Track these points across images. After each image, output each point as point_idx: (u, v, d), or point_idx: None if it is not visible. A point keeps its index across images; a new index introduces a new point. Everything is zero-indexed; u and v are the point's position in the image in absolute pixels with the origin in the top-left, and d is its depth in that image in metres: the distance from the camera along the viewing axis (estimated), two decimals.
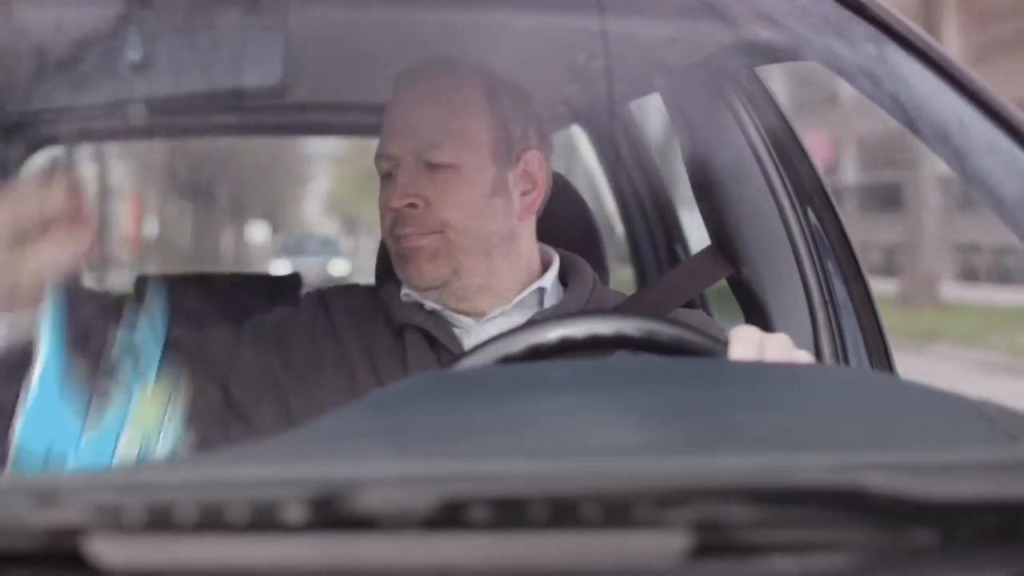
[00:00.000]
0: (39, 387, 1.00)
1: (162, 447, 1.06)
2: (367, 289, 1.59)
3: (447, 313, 1.47)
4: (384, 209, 1.47)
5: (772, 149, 1.85)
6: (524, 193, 1.49)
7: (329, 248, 26.11)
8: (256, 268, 23.92)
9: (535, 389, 0.94)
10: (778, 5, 1.52)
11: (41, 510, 0.70)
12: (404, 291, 1.50)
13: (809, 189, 1.86)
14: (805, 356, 1.15)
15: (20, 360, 1.04)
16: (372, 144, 1.51)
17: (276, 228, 33.68)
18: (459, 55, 1.52)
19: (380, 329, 1.48)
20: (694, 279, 1.87)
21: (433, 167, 1.45)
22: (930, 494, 0.73)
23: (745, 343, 1.10)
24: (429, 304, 1.48)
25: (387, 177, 1.48)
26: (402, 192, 1.45)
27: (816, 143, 17.53)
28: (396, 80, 1.52)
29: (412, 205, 1.44)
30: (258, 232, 31.70)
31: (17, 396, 1.02)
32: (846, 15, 1.37)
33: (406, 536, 0.70)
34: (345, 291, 1.58)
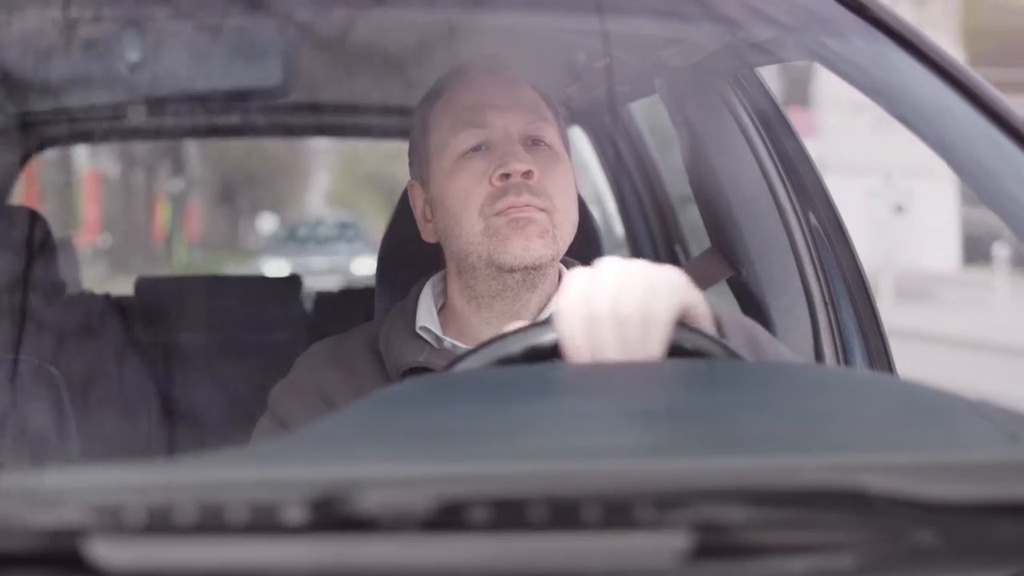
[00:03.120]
0: None
1: None
2: (365, 330, 1.50)
3: (459, 350, 1.39)
4: (480, 180, 1.37)
5: (772, 149, 1.85)
6: None
7: (348, 238, 19.84)
8: (262, 257, 19.53)
9: (534, 391, 0.94)
10: (778, 5, 1.52)
11: (41, 511, 0.70)
12: (420, 325, 1.42)
13: (809, 189, 1.86)
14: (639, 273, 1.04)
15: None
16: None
17: (283, 219, 28.02)
18: (459, 56, 1.52)
19: (380, 379, 1.40)
20: (696, 281, 1.86)
21: (536, 144, 1.40)
22: (930, 495, 0.73)
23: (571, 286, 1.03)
24: (448, 340, 1.41)
25: (474, 151, 1.39)
26: (521, 158, 1.36)
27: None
28: (459, 70, 1.47)
29: (529, 174, 1.35)
30: (267, 223, 30.52)
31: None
32: (846, 15, 1.37)
33: (405, 537, 0.70)
34: (349, 339, 1.49)
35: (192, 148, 20.42)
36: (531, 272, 1.37)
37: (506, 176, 1.36)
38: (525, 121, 1.41)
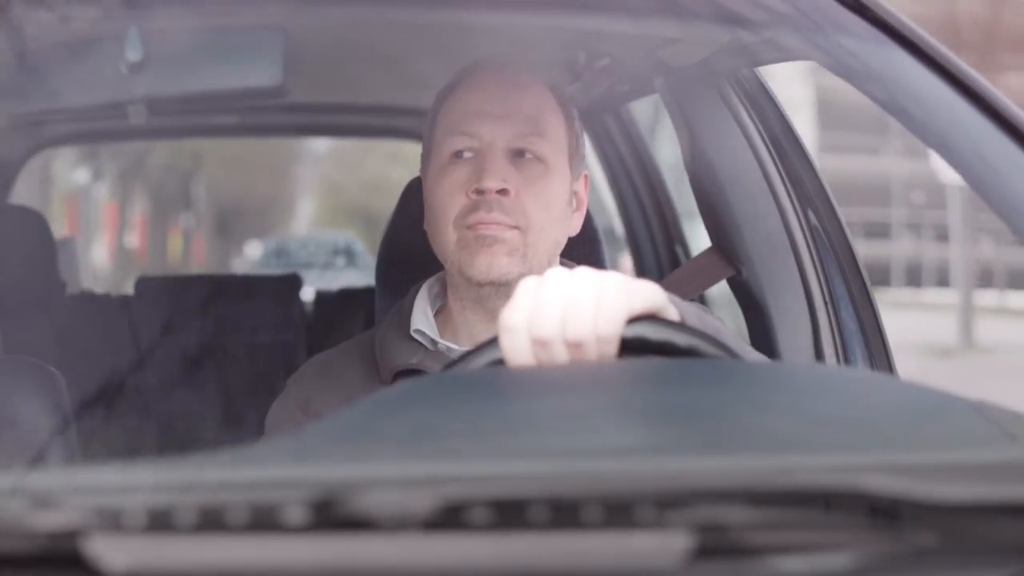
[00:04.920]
0: None
1: None
2: (361, 339, 1.49)
3: (454, 353, 1.38)
4: (458, 190, 1.36)
5: (772, 149, 1.85)
6: (573, 211, 1.45)
7: (347, 264, 14.99)
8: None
9: (535, 391, 0.94)
10: (778, 5, 1.52)
11: (41, 512, 0.70)
12: (415, 327, 1.41)
13: (809, 189, 1.86)
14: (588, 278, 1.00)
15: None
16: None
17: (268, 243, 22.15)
18: (458, 56, 1.51)
19: (373, 384, 1.39)
20: (695, 280, 1.87)
21: (522, 157, 1.38)
22: (930, 495, 0.73)
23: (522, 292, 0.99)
24: (443, 343, 1.40)
25: (457, 157, 1.38)
26: (496, 175, 1.34)
27: None
28: (472, 68, 1.45)
29: (504, 191, 1.34)
30: (254, 249, 30.69)
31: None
32: (846, 15, 1.37)
33: (406, 538, 0.70)
34: (343, 350, 1.48)
35: (199, 188, 23.25)
36: (500, 287, 1.36)
37: (480, 191, 1.35)
38: (515, 133, 1.38)
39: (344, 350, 1.49)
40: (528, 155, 1.38)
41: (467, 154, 1.38)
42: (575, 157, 1.44)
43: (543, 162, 1.39)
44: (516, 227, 1.35)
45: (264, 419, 1.46)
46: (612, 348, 0.98)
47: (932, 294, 25.57)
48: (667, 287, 1.74)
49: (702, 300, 2.37)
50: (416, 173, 1.55)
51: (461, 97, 1.42)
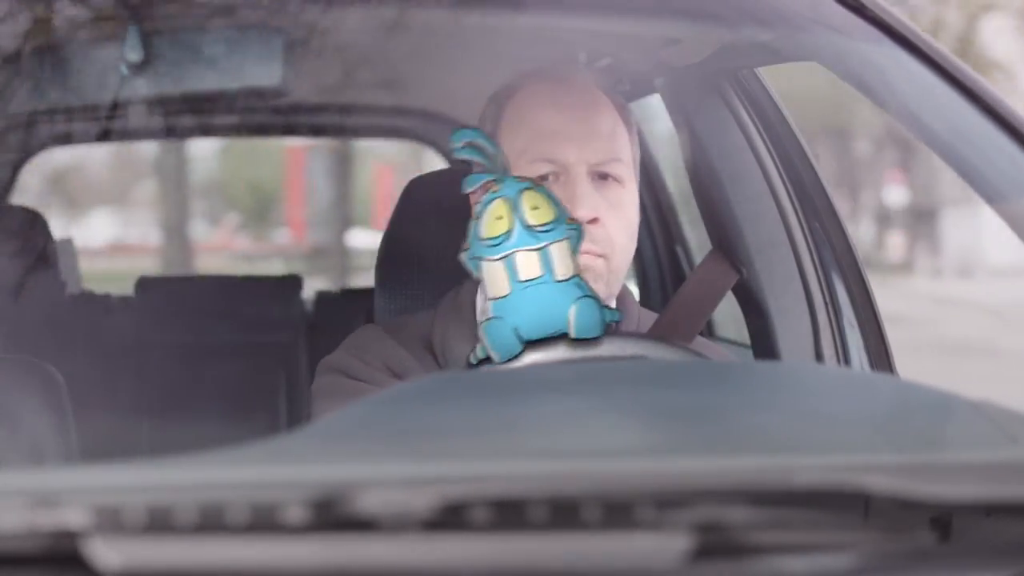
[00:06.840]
0: None
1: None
2: (412, 324, 1.45)
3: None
4: None
5: (772, 149, 1.85)
6: None
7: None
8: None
9: (536, 391, 0.94)
10: (778, 5, 1.52)
11: (41, 512, 0.70)
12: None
13: (809, 189, 1.86)
14: None
15: None
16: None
17: None
18: (459, 56, 1.51)
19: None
20: (708, 290, 1.85)
21: (604, 181, 1.36)
22: (930, 495, 0.73)
23: None
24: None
25: (542, 180, 1.33)
26: (587, 203, 1.32)
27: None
28: (532, 77, 1.41)
29: (595, 220, 1.32)
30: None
31: None
32: (846, 15, 1.37)
33: (407, 537, 0.70)
34: (401, 328, 1.43)
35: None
36: None
37: None
38: (597, 157, 1.36)
39: (395, 329, 1.43)
40: (610, 178, 1.37)
41: (550, 176, 1.35)
42: (637, 164, 1.44)
43: (622, 184, 1.38)
44: (602, 255, 1.34)
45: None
46: None
47: None
48: (679, 306, 1.70)
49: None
50: (415, 173, 1.55)
51: (535, 111, 1.38)
